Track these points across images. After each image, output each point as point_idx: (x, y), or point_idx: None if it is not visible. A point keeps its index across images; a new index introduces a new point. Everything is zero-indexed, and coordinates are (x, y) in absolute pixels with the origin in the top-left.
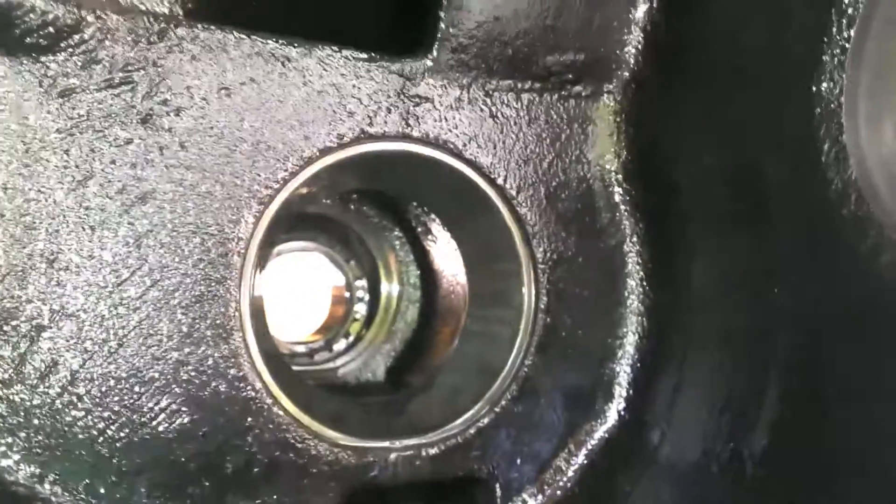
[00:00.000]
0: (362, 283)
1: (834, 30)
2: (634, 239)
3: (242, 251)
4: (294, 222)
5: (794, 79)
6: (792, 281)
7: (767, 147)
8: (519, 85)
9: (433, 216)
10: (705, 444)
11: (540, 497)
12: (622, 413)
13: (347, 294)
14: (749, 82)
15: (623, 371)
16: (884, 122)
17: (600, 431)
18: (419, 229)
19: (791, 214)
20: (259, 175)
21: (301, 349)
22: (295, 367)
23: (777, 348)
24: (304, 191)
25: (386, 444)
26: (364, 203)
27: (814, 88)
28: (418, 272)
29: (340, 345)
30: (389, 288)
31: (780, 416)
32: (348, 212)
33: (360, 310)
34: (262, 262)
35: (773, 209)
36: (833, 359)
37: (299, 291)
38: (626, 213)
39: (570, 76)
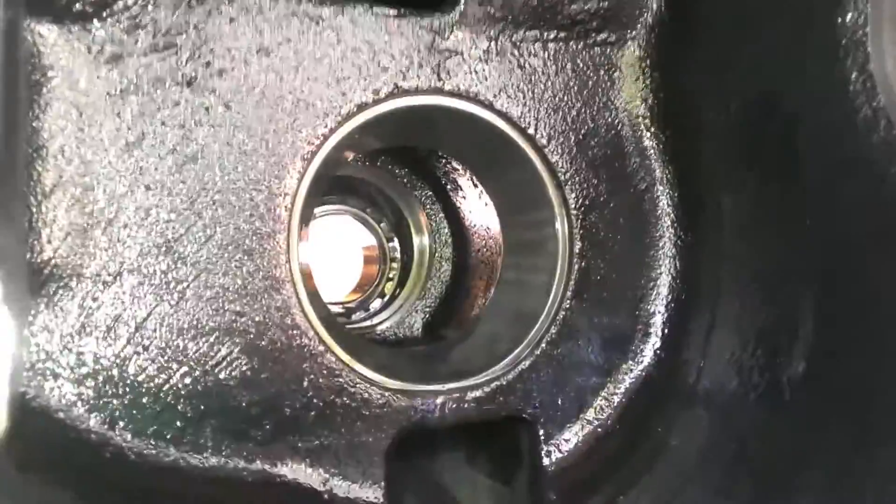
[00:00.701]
0: (394, 243)
1: None
2: (664, 182)
3: (289, 206)
4: (328, 184)
5: (817, 11)
6: (822, 212)
7: (793, 81)
8: (545, 34)
9: (461, 171)
10: (741, 377)
11: (581, 434)
12: (658, 352)
13: (380, 254)
14: (771, 18)
15: (658, 311)
16: None
17: (638, 370)
18: (448, 186)
19: (819, 146)
20: (300, 132)
21: (338, 309)
22: None
23: (809, 279)
24: (345, 146)
25: (434, 387)
26: (393, 163)
27: (839, 20)
28: (449, 229)
29: (376, 304)
30: (421, 246)
31: (815, 344)
32: (377, 173)
33: (394, 269)
34: (306, 218)
35: (801, 142)
36: (865, 285)
37: (333, 254)
38: (654, 157)
39: (594, 24)
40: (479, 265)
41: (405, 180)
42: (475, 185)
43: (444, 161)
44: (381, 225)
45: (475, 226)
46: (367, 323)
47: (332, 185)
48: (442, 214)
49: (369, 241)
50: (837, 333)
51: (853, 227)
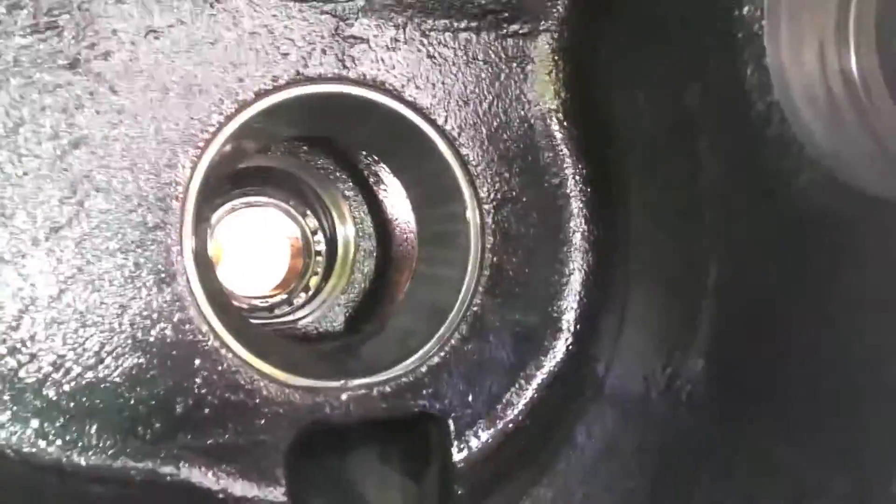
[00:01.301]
0: (318, 236)
1: None
2: (577, 177)
3: (181, 196)
4: (247, 176)
5: (716, 4)
6: (719, 208)
7: (693, 76)
8: (455, 24)
9: (382, 164)
10: (645, 372)
11: (492, 430)
12: (570, 348)
13: (304, 247)
14: (676, 8)
15: (570, 307)
16: (805, 44)
17: (549, 366)
18: (371, 179)
19: (717, 142)
20: (193, 118)
21: (260, 303)
22: (254, 321)
23: (708, 276)
24: (244, 135)
25: (338, 384)
26: (314, 154)
27: (735, 12)
28: (372, 221)
29: (300, 298)
30: (346, 239)
31: (712, 342)
32: (300, 164)
33: (319, 262)
34: (205, 209)
35: (700, 139)
36: (760, 281)
37: (258, 247)
38: (567, 152)
39: (507, 14)
40: (401, 259)
41: (328, 171)
42: (394, 177)
43: (364, 153)
44: (306, 218)
45: (396, 219)
46: (290, 318)
47: (253, 177)
48: (365, 207)
49: (294, 234)
50: (734, 332)
51: (749, 226)
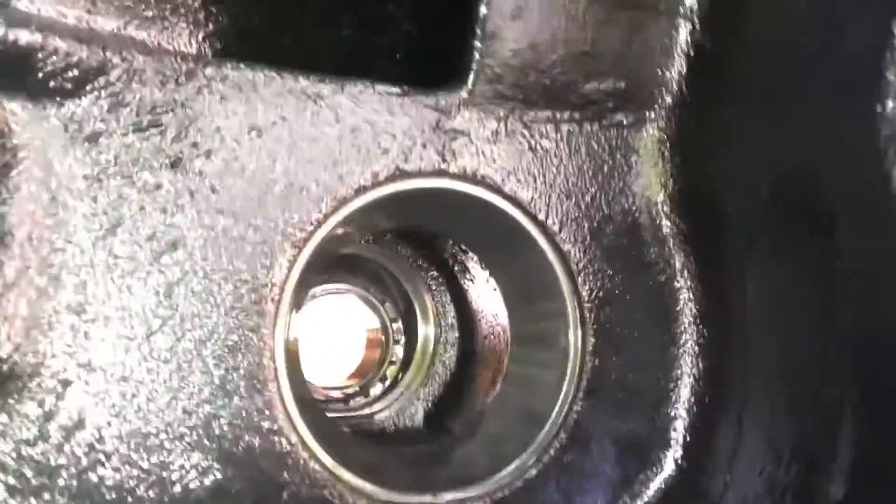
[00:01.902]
0: (398, 325)
1: None
2: (685, 273)
3: (276, 297)
4: (328, 263)
5: (855, 95)
6: (858, 305)
7: (829, 167)
8: (558, 115)
9: (471, 254)
10: (772, 496)
11: None
12: (679, 461)
13: (383, 337)
14: (804, 100)
15: (679, 415)
16: None
17: (657, 482)
18: (456, 268)
19: (858, 236)
20: (292, 217)
21: (336, 394)
22: (329, 414)
23: (847, 381)
24: (340, 231)
25: (428, 498)
26: (399, 243)
27: (878, 108)
28: (455, 313)
29: (377, 389)
30: (426, 330)
31: (857, 460)
32: (382, 252)
33: (397, 352)
34: (296, 307)
35: (838, 232)
36: None
37: (334, 335)
38: (674, 247)
39: (611, 104)
40: (487, 354)
41: (411, 260)
42: (483, 269)
43: (451, 242)
44: (385, 305)
45: (482, 311)
46: (367, 410)
47: (334, 264)
48: (448, 297)
49: (372, 323)
50: (884, 448)
51: (892, 316)
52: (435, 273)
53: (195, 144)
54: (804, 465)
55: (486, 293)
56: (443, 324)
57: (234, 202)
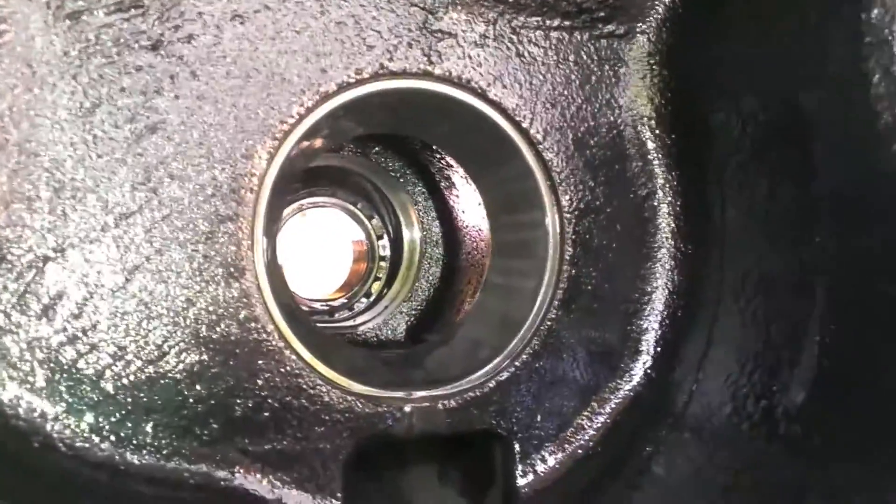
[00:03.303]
0: (384, 240)
1: None
2: (666, 188)
3: (255, 188)
4: (315, 176)
5: (840, 5)
6: (835, 224)
7: (811, 82)
8: (548, 22)
9: (456, 168)
10: (736, 403)
11: (560, 454)
12: (649, 371)
13: (369, 251)
14: (791, 11)
15: (651, 327)
16: None
17: (625, 389)
18: (442, 183)
19: (835, 151)
20: (273, 108)
21: (321, 307)
22: (316, 325)
23: (816, 297)
24: (324, 128)
25: (401, 394)
26: (386, 156)
27: (863, 16)
28: (441, 228)
29: (361, 303)
30: (412, 245)
31: (818, 370)
32: (370, 165)
33: (383, 267)
34: (277, 204)
35: (818, 149)
36: (879, 305)
37: (321, 249)
38: (658, 161)
39: (602, 14)
40: (469, 268)
41: (398, 174)
42: (469, 183)
43: (438, 156)
44: (372, 221)
45: (467, 226)
46: (350, 322)
47: (321, 176)
48: (434, 213)
49: (359, 237)
50: (843, 361)
51: (868, 242)
52: (421, 187)
53: (176, 28)
54: (767, 374)
55: (470, 208)
56: (428, 239)
57: (215, 89)
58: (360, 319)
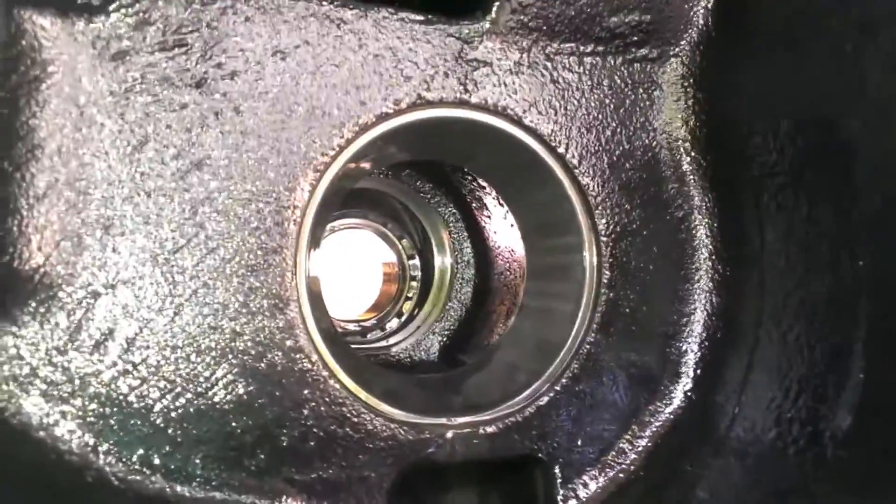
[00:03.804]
0: (415, 261)
1: None
2: (703, 210)
3: (298, 220)
4: (348, 198)
5: (879, 25)
6: (876, 246)
7: (849, 106)
8: (581, 48)
9: (488, 190)
10: (780, 427)
11: (602, 479)
12: (689, 394)
13: (400, 271)
14: (825, 38)
15: (691, 349)
16: None
17: (666, 413)
18: (474, 204)
19: (876, 176)
20: (314, 141)
21: (353, 327)
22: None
23: (859, 319)
24: (363, 159)
25: (443, 420)
26: (417, 178)
27: None
28: (472, 249)
29: (393, 323)
30: (443, 266)
31: (864, 394)
32: (401, 187)
33: (414, 288)
34: (318, 233)
35: (858, 172)
36: None
37: (352, 269)
38: (693, 183)
39: (635, 38)
40: (502, 289)
41: (429, 196)
42: (501, 205)
43: (469, 178)
44: (403, 241)
45: (499, 247)
46: (383, 343)
47: (352, 198)
48: (466, 233)
49: (389, 258)
50: (889, 386)
51: None
52: (452, 209)
53: (220, 65)
54: (812, 398)
55: (502, 229)
56: (459, 260)
57: (258, 124)
58: (392, 340)
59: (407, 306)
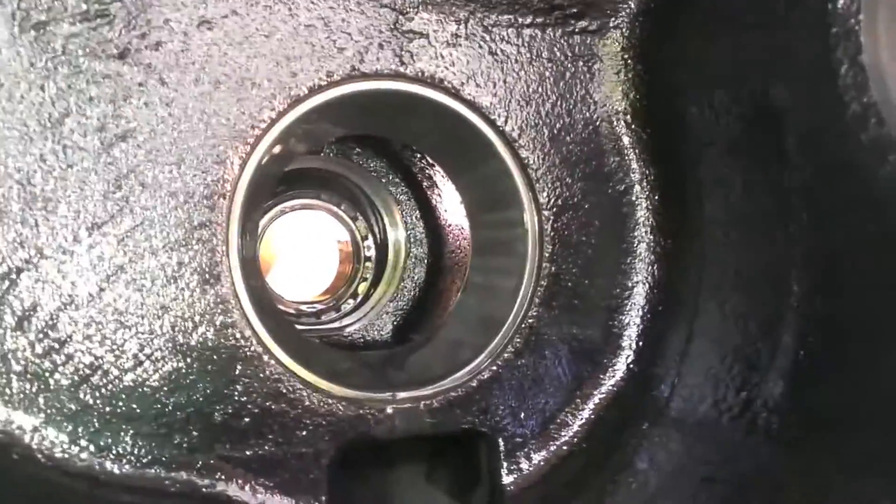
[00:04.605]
0: (369, 241)
1: None
2: (644, 183)
3: (228, 193)
4: (298, 178)
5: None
6: (807, 216)
7: (781, 74)
8: (520, 20)
9: (437, 167)
10: (716, 395)
11: (544, 451)
12: (631, 366)
13: (354, 253)
14: (758, 6)
15: (633, 322)
16: None
17: (608, 385)
18: (424, 182)
19: (807, 145)
20: (244, 114)
21: (308, 309)
22: (301, 327)
23: (792, 289)
24: (295, 135)
25: (383, 396)
26: (367, 156)
27: (829, 6)
28: (424, 228)
29: (348, 305)
30: (397, 245)
31: (795, 361)
32: (351, 167)
33: (369, 268)
34: (252, 209)
35: (789, 141)
36: (852, 296)
37: (306, 251)
38: (634, 156)
39: (575, 10)
40: (454, 267)
41: (380, 175)
42: (449, 180)
43: (419, 155)
44: (357, 222)
45: (450, 225)
46: (337, 324)
47: (305, 178)
48: (418, 212)
49: (343, 239)
50: (820, 351)
51: (841, 233)
52: (404, 187)
53: (143, 35)
54: (746, 365)
55: (452, 206)
56: (412, 239)
57: (184, 95)
58: (346, 321)
59: (362, 287)
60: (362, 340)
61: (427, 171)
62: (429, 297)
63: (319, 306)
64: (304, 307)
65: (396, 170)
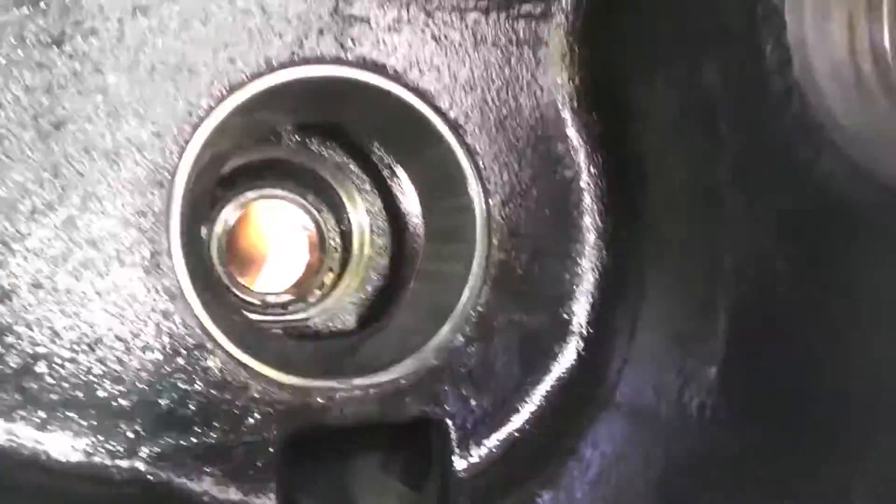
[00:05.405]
0: (335, 232)
1: None
2: (591, 169)
3: (167, 181)
4: (262, 169)
5: None
6: (736, 196)
7: (713, 54)
8: (463, 4)
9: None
10: (656, 381)
11: (496, 438)
12: (580, 352)
13: (320, 243)
14: None
15: (581, 309)
16: (831, 18)
17: (557, 372)
18: (384, 172)
19: (737, 123)
20: (181, 101)
21: (273, 300)
22: (266, 318)
23: (724, 271)
24: (238, 123)
25: (331, 384)
26: (326, 146)
27: None
28: (386, 217)
29: (314, 296)
30: (361, 235)
31: (727, 345)
32: (311, 157)
33: (335, 259)
34: (196, 197)
35: (720, 122)
36: (778, 276)
37: (273, 242)
38: (581, 142)
39: None
40: (414, 256)
41: (340, 164)
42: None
43: (377, 145)
44: (322, 213)
45: (409, 214)
46: (303, 315)
47: (269, 170)
48: (380, 202)
49: (310, 229)
50: (751, 335)
51: (766, 211)
52: (365, 177)
53: (77, 23)
54: (683, 348)
55: (412, 195)
56: (374, 229)
57: (119, 83)
58: (312, 311)
59: (328, 278)
60: (328, 331)
61: (385, 161)
62: (391, 286)
63: (286, 297)
64: (270, 298)
65: (356, 159)
